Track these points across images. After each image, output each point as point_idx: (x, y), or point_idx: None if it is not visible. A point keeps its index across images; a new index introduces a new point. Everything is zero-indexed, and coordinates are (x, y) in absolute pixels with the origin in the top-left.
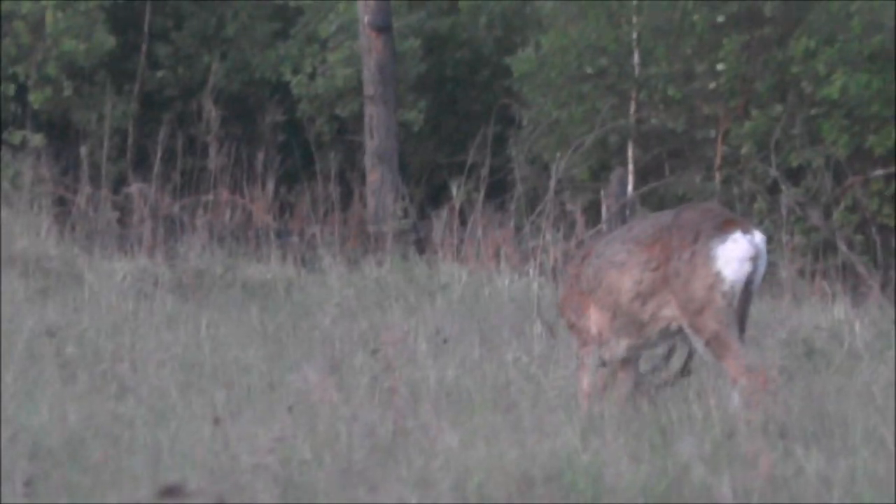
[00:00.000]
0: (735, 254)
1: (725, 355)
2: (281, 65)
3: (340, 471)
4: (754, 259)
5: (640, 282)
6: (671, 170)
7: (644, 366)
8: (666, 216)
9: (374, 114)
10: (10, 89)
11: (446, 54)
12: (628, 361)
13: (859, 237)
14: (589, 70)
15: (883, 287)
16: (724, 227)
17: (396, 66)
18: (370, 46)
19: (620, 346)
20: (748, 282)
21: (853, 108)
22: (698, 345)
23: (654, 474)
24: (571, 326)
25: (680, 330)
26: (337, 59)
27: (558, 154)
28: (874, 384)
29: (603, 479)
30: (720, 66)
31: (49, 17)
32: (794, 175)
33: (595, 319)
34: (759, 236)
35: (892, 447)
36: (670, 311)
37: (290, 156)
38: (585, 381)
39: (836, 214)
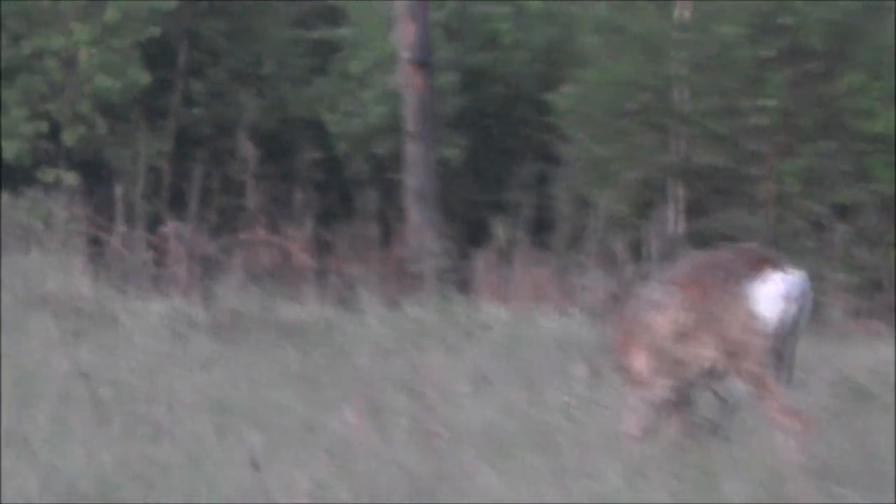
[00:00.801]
0: (769, 293)
1: (766, 397)
2: (317, 102)
3: None
4: (791, 298)
5: (677, 321)
6: (717, 207)
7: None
8: (703, 256)
9: (414, 151)
10: (44, 127)
11: (485, 89)
12: (675, 404)
13: None
14: (632, 106)
15: None
16: (758, 266)
17: (436, 102)
18: (409, 82)
19: (664, 387)
20: (788, 322)
21: None
22: (739, 386)
23: None
24: (619, 366)
25: (722, 371)
26: (371, 96)
27: (600, 192)
28: None
29: None
30: (766, 102)
31: (83, 54)
32: (842, 212)
33: (638, 359)
34: (797, 275)
35: None
36: (709, 352)
37: (327, 194)
38: (630, 423)
39: (885, 252)
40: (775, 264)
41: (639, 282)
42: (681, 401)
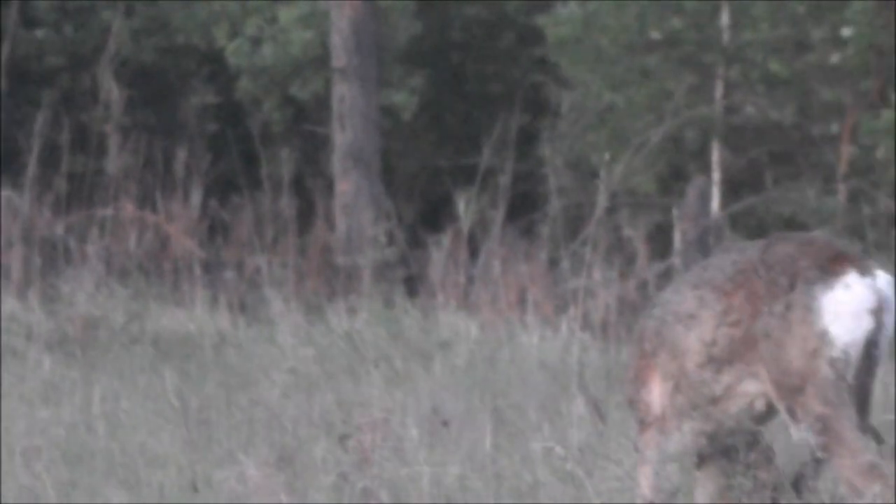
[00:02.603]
0: (848, 305)
1: (837, 449)
2: (213, 25)
3: None
4: (877, 312)
5: (714, 342)
6: (775, 181)
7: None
8: (752, 251)
9: (346, 94)
10: None
11: (451, 11)
12: (709, 457)
13: None
14: (656, 36)
15: None
16: (831, 267)
17: (380, 27)
18: None
19: (685, 433)
20: (869, 344)
21: None
22: (798, 434)
23: None
24: (630, 402)
25: (769, 413)
26: (292, 17)
27: (610, 156)
28: None
29: None
30: (846, 32)
31: None
32: None
33: (658, 393)
34: (884, 279)
35: None
36: (755, 386)
37: (224, 154)
38: (646, 483)
39: None
40: (858, 264)
41: (663, 285)
42: (715, 453)
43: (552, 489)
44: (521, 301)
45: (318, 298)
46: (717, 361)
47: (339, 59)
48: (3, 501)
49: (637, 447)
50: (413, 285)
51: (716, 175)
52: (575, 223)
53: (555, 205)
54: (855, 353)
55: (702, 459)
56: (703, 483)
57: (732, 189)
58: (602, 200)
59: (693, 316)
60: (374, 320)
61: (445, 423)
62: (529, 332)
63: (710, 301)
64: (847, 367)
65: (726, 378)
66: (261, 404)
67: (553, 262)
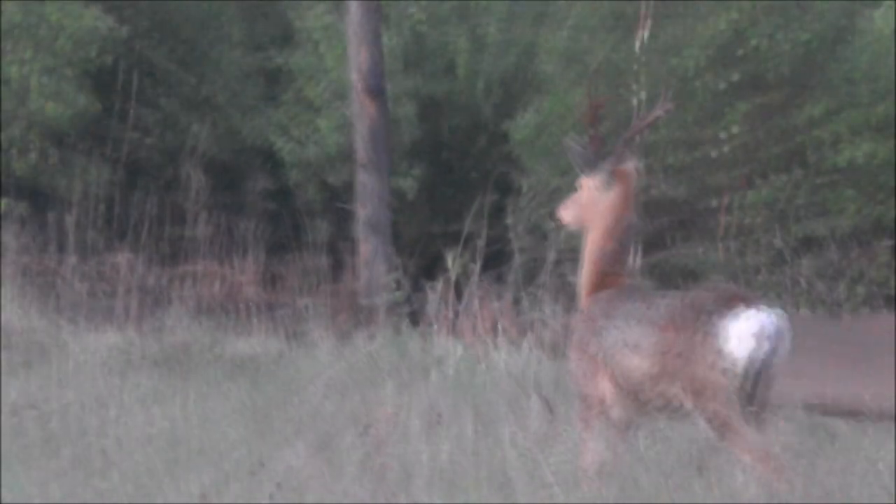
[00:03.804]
0: (740, 331)
1: (731, 438)
2: (269, 131)
3: None
4: (763, 336)
5: (653, 365)
6: (675, 241)
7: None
8: (679, 296)
9: (366, 182)
10: None
11: (442, 120)
12: (626, 428)
13: (866, 310)
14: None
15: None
16: (728, 304)
17: (390, 131)
18: (363, 112)
19: (621, 414)
20: (759, 361)
21: (861, 178)
22: (701, 425)
23: None
24: (581, 394)
25: (682, 408)
26: (328, 124)
27: (555, 223)
28: (880, 461)
29: None
30: (724, 134)
31: (33, 83)
32: (802, 246)
33: (604, 388)
34: (771, 312)
35: None
36: (676, 391)
37: (278, 225)
38: (587, 455)
39: (844, 287)
40: (747, 301)
41: (607, 302)
42: (630, 426)
43: (516, 463)
44: (494, 328)
45: (347, 328)
46: (653, 377)
47: (361, 155)
48: (121, 481)
49: (583, 426)
50: (415, 318)
51: (632, 239)
52: (532, 272)
53: (517, 259)
54: (744, 366)
55: (623, 429)
56: (620, 453)
57: (647, 247)
58: (551, 256)
59: (638, 346)
60: (387, 343)
61: (439, 417)
62: (500, 351)
63: (649, 334)
64: (738, 377)
65: (658, 387)
66: (306, 404)
67: (516, 300)
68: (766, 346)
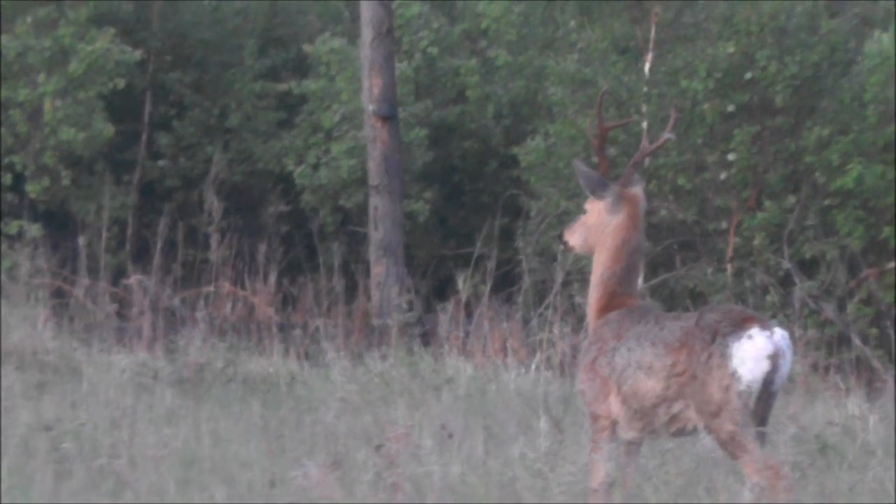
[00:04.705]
0: (751, 352)
1: (741, 455)
2: (284, 155)
3: None
4: (773, 357)
5: (668, 387)
6: (682, 262)
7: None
8: (691, 318)
9: (378, 205)
10: (8, 179)
11: (453, 144)
12: (635, 448)
13: (874, 331)
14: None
15: None
16: (741, 325)
17: (402, 155)
18: (375, 136)
19: (630, 434)
20: (767, 381)
21: (867, 199)
22: (712, 444)
23: None
24: (591, 412)
25: (695, 429)
26: (341, 149)
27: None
28: (888, 480)
29: None
30: (731, 157)
31: (47, 106)
32: (808, 267)
33: (616, 409)
34: (779, 333)
35: None
36: (688, 413)
37: (292, 247)
38: (598, 474)
39: (851, 307)
40: (760, 323)
41: (619, 324)
42: (640, 445)
43: (526, 482)
44: (503, 348)
45: (360, 348)
46: (667, 399)
47: (373, 179)
48: (134, 501)
49: (592, 446)
50: (427, 338)
51: (641, 260)
52: (541, 294)
53: (526, 281)
54: (756, 387)
55: (632, 449)
56: (628, 472)
57: (653, 269)
58: (560, 278)
59: (651, 367)
60: (399, 363)
61: (450, 436)
62: (509, 370)
63: (663, 356)
64: (750, 397)
65: (672, 409)
66: (319, 423)
67: (525, 321)
68: (779, 366)
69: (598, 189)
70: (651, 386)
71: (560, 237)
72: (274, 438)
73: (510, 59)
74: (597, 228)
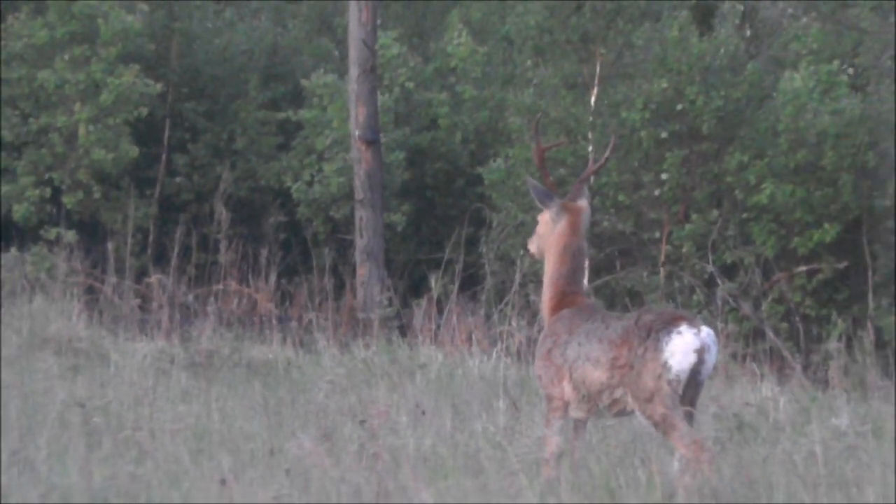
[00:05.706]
0: (680, 346)
1: (672, 434)
2: (283, 174)
3: None
4: (699, 351)
5: (612, 377)
6: (621, 266)
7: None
8: (632, 317)
9: (363, 216)
10: (47, 192)
11: (427, 165)
12: (582, 426)
13: (784, 325)
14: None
15: (805, 369)
16: (672, 323)
17: (383, 174)
18: (361, 157)
19: (578, 413)
20: (694, 371)
21: (780, 214)
22: (644, 424)
23: None
24: (546, 395)
25: (633, 411)
26: (331, 169)
27: (523, 252)
28: (796, 454)
29: None
30: (664, 177)
31: (81, 130)
32: (728, 271)
33: (567, 391)
34: (705, 331)
35: None
36: (628, 398)
37: (290, 252)
38: (550, 446)
39: (765, 305)
40: (688, 321)
41: (570, 321)
42: (585, 422)
43: (488, 453)
44: (469, 339)
45: (347, 338)
46: (610, 386)
47: (359, 194)
48: (153, 467)
49: (545, 422)
50: (403, 330)
51: (586, 263)
52: (501, 293)
53: (489, 281)
54: (684, 376)
55: (579, 426)
56: (576, 445)
57: (596, 272)
58: (517, 279)
59: (598, 361)
60: (380, 351)
61: (423, 413)
62: (474, 357)
63: (607, 351)
64: (679, 385)
65: (614, 394)
66: (312, 402)
67: (488, 316)
68: (703, 358)
69: (544, 200)
70: (597, 376)
71: (524, 247)
72: (273, 415)
73: (475, 93)
74: (545, 236)
